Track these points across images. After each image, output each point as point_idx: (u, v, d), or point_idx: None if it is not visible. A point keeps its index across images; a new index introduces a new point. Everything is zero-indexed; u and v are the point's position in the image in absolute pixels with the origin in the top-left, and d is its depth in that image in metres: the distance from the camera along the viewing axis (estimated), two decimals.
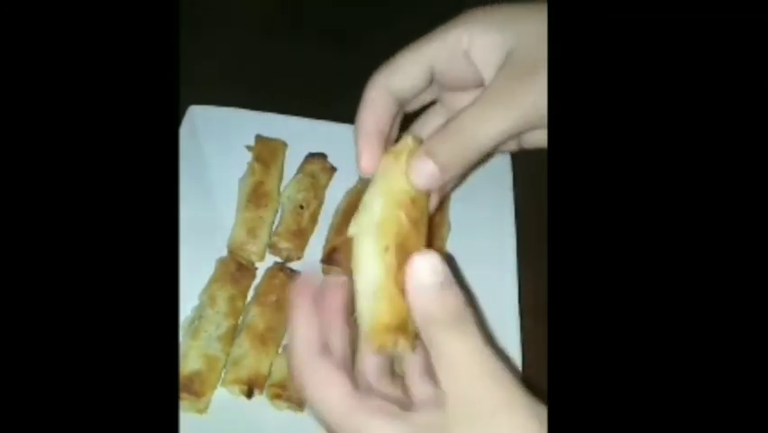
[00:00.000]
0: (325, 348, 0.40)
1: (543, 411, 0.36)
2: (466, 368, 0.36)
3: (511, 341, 0.62)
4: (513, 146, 0.48)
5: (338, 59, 0.84)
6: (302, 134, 0.73)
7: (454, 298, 0.38)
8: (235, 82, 0.80)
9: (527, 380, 0.61)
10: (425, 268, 0.38)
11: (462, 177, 0.48)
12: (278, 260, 0.68)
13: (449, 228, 0.69)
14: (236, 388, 0.60)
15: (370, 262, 0.40)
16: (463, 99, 0.45)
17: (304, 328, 0.41)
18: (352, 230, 0.42)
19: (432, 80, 0.45)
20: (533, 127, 0.42)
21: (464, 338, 0.37)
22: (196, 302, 0.63)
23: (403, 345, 0.39)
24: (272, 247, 0.68)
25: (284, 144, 0.73)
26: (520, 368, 0.61)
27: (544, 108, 0.41)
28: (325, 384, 0.39)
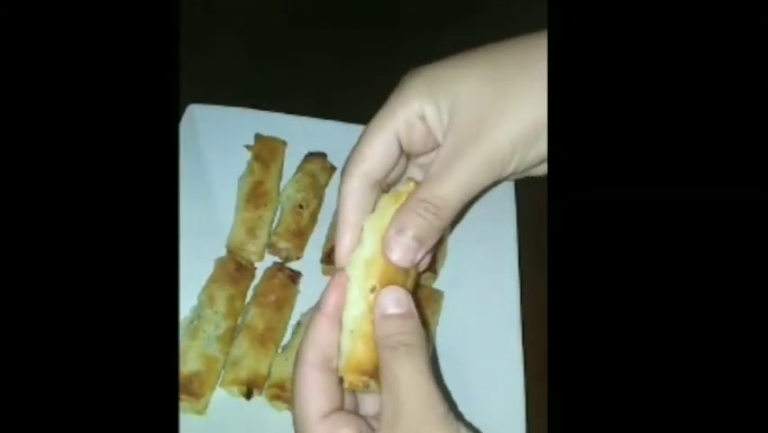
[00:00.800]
0: (330, 360, 0.43)
1: None
2: (404, 386, 0.40)
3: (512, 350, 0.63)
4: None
5: (338, 58, 0.84)
6: (302, 134, 0.73)
7: (410, 327, 0.43)
8: (235, 81, 0.80)
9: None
10: (390, 300, 0.43)
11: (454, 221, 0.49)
12: (278, 260, 0.68)
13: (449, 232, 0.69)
14: (235, 389, 0.59)
15: (354, 301, 0.43)
16: (430, 157, 0.47)
17: (318, 334, 0.44)
18: (347, 264, 0.45)
19: (401, 151, 0.46)
20: (496, 178, 0.44)
21: (410, 361, 0.41)
22: (194, 302, 0.63)
23: (373, 388, 0.42)
24: (272, 247, 0.68)
25: (283, 143, 0.73)
26: (522, 366, 0.62)
27: (497, 160, 0.43)
28: (308, 397, 0.43)
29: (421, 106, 0.44)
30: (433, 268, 0.66)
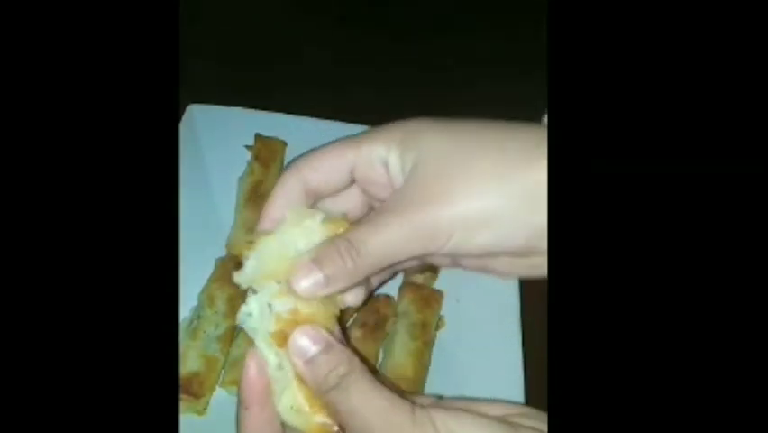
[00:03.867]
0: None
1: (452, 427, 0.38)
2: (365, 421, 0.39)
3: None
4: (446, 262, 0.46)
5: (338, 58, 0.84)
6: (302, 134, 0.73)
7: (338, 357, 0.40)
8: (235, 82, 0.80)
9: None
10: (305, 342, 0.40)
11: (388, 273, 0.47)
12: None
13: None
14: (235, 389, 0.59)
15: (276, 378, 0.41)
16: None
17: (252, 430, 0.42)
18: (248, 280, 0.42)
19: (353, 182, 0.45)
20: (426, 251, 0.41)
21: (356, 389, 0.39)
22: (194, 302, 0.63)
23: None
24: None
25: (283, 144, 0.73)
26: (522, 367, 0.62)
27: (429, 235, 0.40)
28: None
29: (387, 152, 0.43)
30: (433, 268, 0.66)
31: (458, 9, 0.90)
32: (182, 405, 0.58)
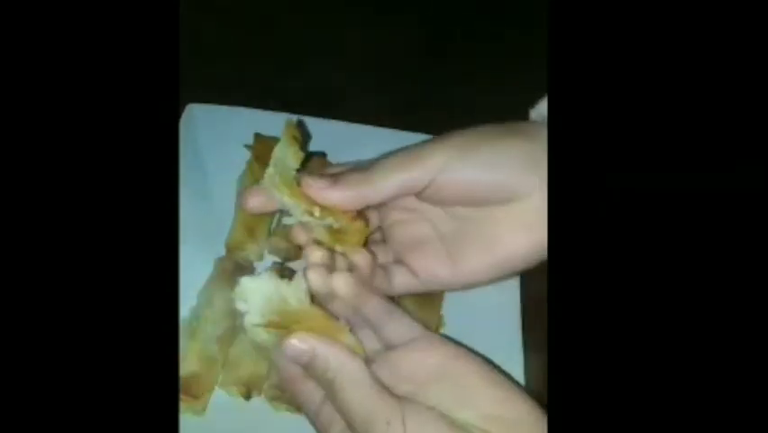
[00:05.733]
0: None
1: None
2: (356, 416, 0.42)
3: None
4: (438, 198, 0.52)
5: (338, 57, 0.83)
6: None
7: (324, 366, 0.44)
8: (235, 81, 0.80)
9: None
10: (295, 352, 0.44)
11: None
12: (277, 260, 0.67)
13: None
14: (234, 389, 0.59)
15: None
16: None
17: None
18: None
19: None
20: (415, 176, 0.48)
21: (346, 397, 0.43)
22: (194, 302, 0.63)
23: None
24: (271, 247, 0.68)
25: None
26: (522, 366, 0.62)
27: (415, 156, 0.48)
28: None
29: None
30: None
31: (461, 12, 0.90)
32: (181, 406, 0.57)
